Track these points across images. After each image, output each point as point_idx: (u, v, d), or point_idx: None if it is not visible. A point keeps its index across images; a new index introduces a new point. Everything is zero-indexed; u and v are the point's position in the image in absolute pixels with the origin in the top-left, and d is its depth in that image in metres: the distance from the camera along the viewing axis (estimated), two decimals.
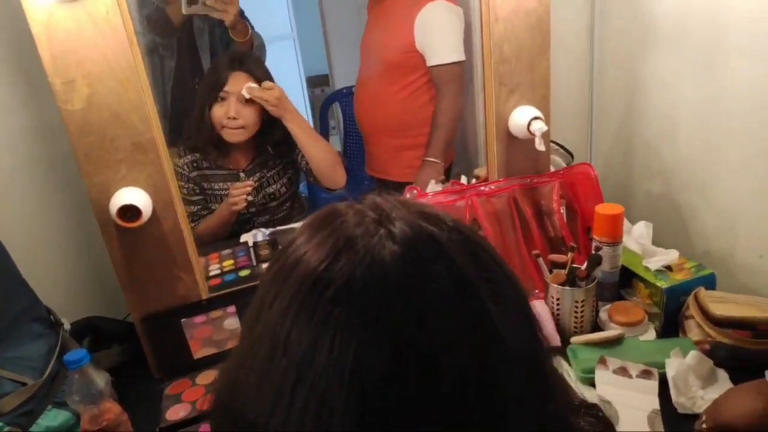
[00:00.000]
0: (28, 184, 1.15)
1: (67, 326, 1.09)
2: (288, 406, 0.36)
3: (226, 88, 1.37)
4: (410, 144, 1.57)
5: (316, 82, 2.69)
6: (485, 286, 0.39)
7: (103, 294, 1.26)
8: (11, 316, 0.99)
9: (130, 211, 1.00)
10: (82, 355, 0.88)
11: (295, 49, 2.73)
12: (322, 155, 1.47)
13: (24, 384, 0.95)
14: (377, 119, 1.62)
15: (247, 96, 1.36)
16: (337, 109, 2.15)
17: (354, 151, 2.00)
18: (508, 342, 0.38)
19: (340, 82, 2.25)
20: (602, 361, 1.00)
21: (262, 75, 1.41)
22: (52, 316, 1.07)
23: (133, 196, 1.00)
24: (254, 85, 1.37)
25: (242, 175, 1.48)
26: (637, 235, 1.23)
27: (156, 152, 1.02)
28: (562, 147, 1.38)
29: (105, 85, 0.96)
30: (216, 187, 1.46)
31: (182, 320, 1.15)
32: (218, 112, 1.38)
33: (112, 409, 0.92)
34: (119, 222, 0.99)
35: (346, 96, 2.03)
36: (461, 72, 1.47)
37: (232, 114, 1.36)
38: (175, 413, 1.06)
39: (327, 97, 2.21)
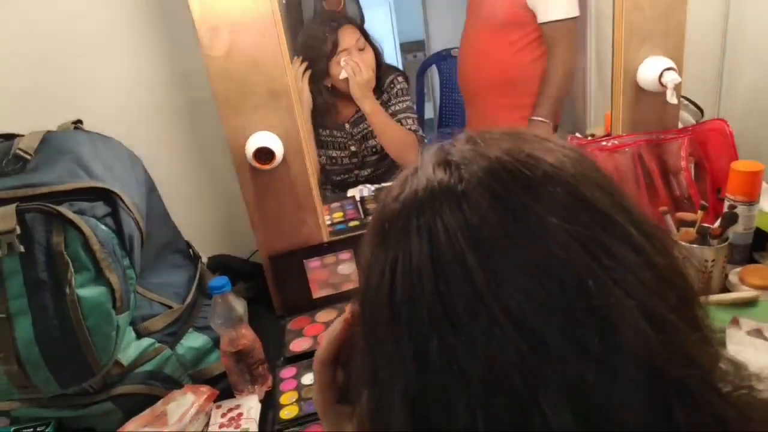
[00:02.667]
0: (169, 127, 1.24)
1: (204, 260, 1.18)
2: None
3: (341, 47, 1.41)
4: (517, 104, 1.54)
5: (410, 48, 2.68)
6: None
7: (231, 234, 1.34)
8: (157, 246, 1.08)
9: (264, 154, 1.05)
10: (224, 282, 0.95)
11: (390, 15, 2.72)
12: (393, 138, 1.50)
13: (170, 307, 1.05)
14: (484, 77, 1.60)
15: (343, 72, 1.42)
16: (432, 74, 2.13)
17: (449, 117, 1.98)
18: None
19: (436, 47, 2.23)
20: (735, 322, 0.95)
21: (362, 23, 1.46)
22: (191, 250, 1.16)
23: (267, 139, 1.06)
24: (355, 59, 1.43)
25: (347, 125, 1.53)
26: None
27: (288, 99, 1.07)
28: (692, 102, 1.31)
29: (246, 33, 1.01)
30: (323, 134, 1.52)
31: (304, 261, 1.21)
32: (338, 68, 1.43)
33: (247, 335, 1.00)
34: (254, 164, 1.05)
35: (444, 59, 2.01)
36: (575, 28, 1.42)
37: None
38: (298, 346, 1.13)
39: (424, 61, 2.18)
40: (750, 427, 0.37)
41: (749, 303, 1.00)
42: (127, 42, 1.17)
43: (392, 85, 1.55)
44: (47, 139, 0.95)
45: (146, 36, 1.18)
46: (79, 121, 1.03)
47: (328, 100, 1.50)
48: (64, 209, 0.85)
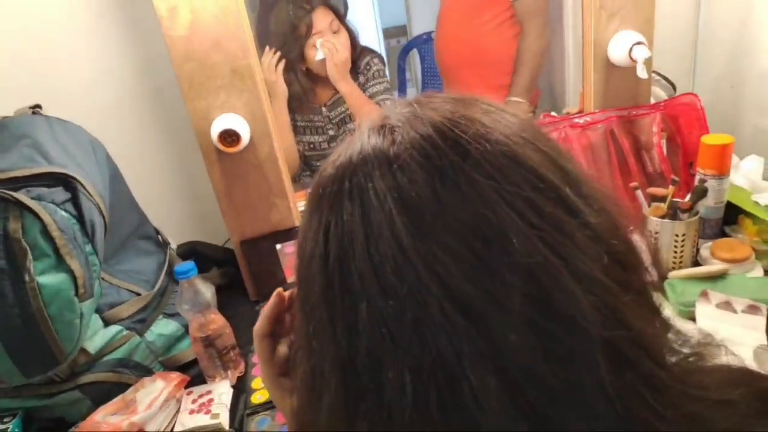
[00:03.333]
0: (135, 113, 1.22)
1: (173, 246, 1.16)
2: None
3: (316, 29, 1.39)
4: (494, 83, 1.53)
5: (392, 34, 2.66)
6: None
7: (203, 221, 1.33)
8: (123, 233, 1.07)
9: (230, 136, 1.04)
10: (190, 267, 0.94)
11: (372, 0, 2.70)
12: None
13: (138, 294, 1.03)
14: (460, 57, 1.59)
15: (320, 53, 1.41)
16: (414, 58, 2.11)
17: None
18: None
19: (418, 31, 2.21)
20: (704, 295, 0.95)
21: (345, 10, 1.43)
22: (160, 236, 1.15)
23: (232, 121, 1.04)
24: (331, 40, 1.41)
25: (324, 109, 1.51)
26: (746, 170, 1.15)
27: (252, 79, 1.05)
28: (663, 77, 1.30)
29: (206, 12, 0.99)
30: (298, 119, 1.50)
31: (277, 246, 1.20)
32: (313, 51, 1.41)
33: (216, 320, 0.99)
34: (220, 146, 1.04)
35: (425, 42, 2.00)
36: (546, 6, 1.41)
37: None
38: None
39: (405, 45, 2.17)
40: (687, 392, 0.36)
41: (719, 276, 1.00)
42: (89, 26, 1.15)
43: (368, 67, 1.53)
44: (4, 124, 0.93)
45: (109, 20, 1.15)
46: (38, 106, 1.00)
47: (304, 85, 1.48)
48: (22, 195, 0.83)
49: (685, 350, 0.41)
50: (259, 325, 0.53)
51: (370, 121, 0.41)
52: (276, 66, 1.39)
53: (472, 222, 0.33)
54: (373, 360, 0.34)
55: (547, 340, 0.32)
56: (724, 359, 0.41)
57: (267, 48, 1.37)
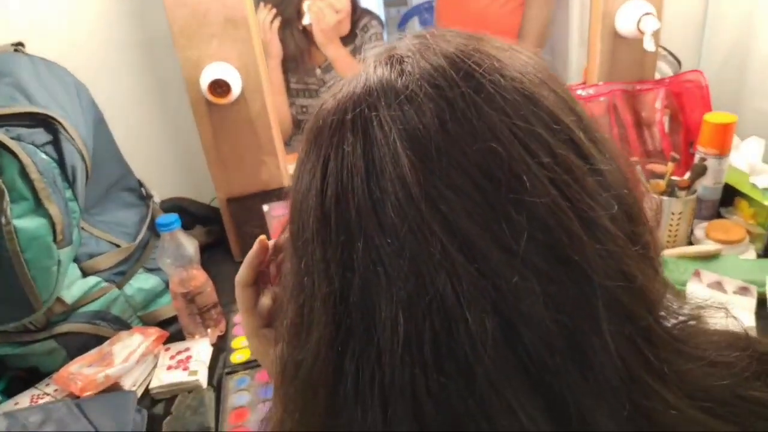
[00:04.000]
0: (124, 59, 1.17)
1: (157, 199, 1.13)
2: None
3: None
4: None
5: (393, 2, 2.62)
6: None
7: (189, 177, 1.29)
8: (105, 182, 1.03)
9: (220, 87, 1.00)
10: (173, 219, 0.91)
11: None
12: None
13: (118, 246, 1.00)
14: (462, 24, 1.54)
15: (306, 16, 1.37)
16: (414, 26, 2.07)
17: None
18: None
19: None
20: (696, 274, 0.94)
21: None
22: (143, 189, 1.11)
23: (223, 70, 1.00)
24: (318, 3, 1.36)
25: (318, 71, 1.47)
26: (746, 152, 1.13)
27: (247, 29, 1.01)
28: (670, 53, 1.27)
29: None
30: (292, 80, 1.46)
31: (264, 206, 1.17)
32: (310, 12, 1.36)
33: (198, 276, 0.96)
34: (209, 96, 1.00)
35: (426, 10, 1.96)
36: None
37: (338, 6, 1.35)
38: None
39: (405, 13, 2.12)
40: (683, 350, 0.35)
41: (712, 257, 0.99)
42: None
43: (365, 29, 1.49)
44: None
45: None
46: (20, 44, 0.96)
47: (300, 45, 1.44)
48: (0, 134, 0.79)
49: (684, 313, 0.39)
50: (241, 274, 0.51)
51: (376, 53, 0.38)
52: (271, 24, 1.34)
53: (481, 158, 0.31)
54: (366, 298, 0.32)
55: (549, 284, 0.30)
56: (723, 322, 0.39)
57: (262, 4, 1.32)
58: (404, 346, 0.31)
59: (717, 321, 0.41)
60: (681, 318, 0.39)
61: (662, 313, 0.37)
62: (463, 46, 0.35)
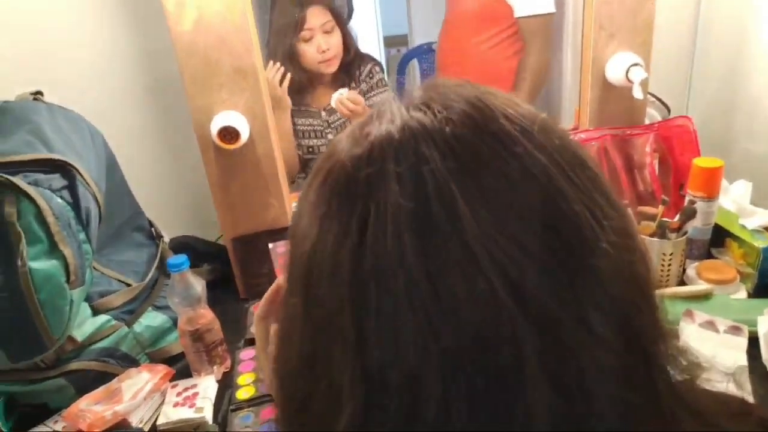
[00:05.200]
0: (135, 104, 1.22)
1: (166, 239, 1.17)
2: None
3: (307, 26, 1.40)
4: None
5: (393, 42, 2.68)
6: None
7: (197, 217, 1.33)
8: (117, 223, 1.07)
9: (229, 133, 1.04)
10: (183, 260, 0.94)
11: (374, 7, 2.71)
12: None
13: (129, 285, 1.03)
14: (461, 68, 1.60)
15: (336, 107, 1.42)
16: (414, 68, 2.12)
17: None
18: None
19: (419, 41, 2.23)
20: (688, 314, 0.97)
21: (348, 15, 1.44)
22: (153, 229, 1.15)
23: (232, 118, 1.05)
24: (344, 93, 1.42)
25: (323, 113, 1.52)
26: (734, 194, 1.18)
27: (255, 78, 1.06)
28: (659, 99, 1.32)
29: (212, 8, 1.00)
30: (299, 122, 1.51)
31: (269, 244, 1.20)
32: (309, 50, 1.42)
33: (205, 315, 0.99)
34: (219, 143, 1.04)
35: (426, 53, 2.01)
36: (550, 25, 1.43)
37: (324, 47, 1.40)
38: None
39: (405, 54, 2.18)
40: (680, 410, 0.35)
41: (704, 297, 1.02)
42: (95, 15, 1.16)
43: (371, 76, 1.54)
44: (4, 108, 0.94)
45: (114, 10, 1.16)
46: (39, 92, 1.01)
47: (304, 84, 1.48)
48: (18, 180, 0.83)
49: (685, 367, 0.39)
50: (258, 309, 0.54)
51: (395, 101, 0.36)
52: (281, 82, 1.39)
53: (547, 212, 0.31)
54: (412, 377, 0.30)
55: (617, 359, 0.31)
56: (718, 386, 0.40)
57: (271, 63, 1.37)
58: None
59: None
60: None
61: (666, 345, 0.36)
62: (473, 92, 0.35)
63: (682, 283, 1.10)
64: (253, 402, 0.94)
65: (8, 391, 0.94)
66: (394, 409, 0.30)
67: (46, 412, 0.94)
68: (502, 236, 0.29)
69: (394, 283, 0.30)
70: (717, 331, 0.95)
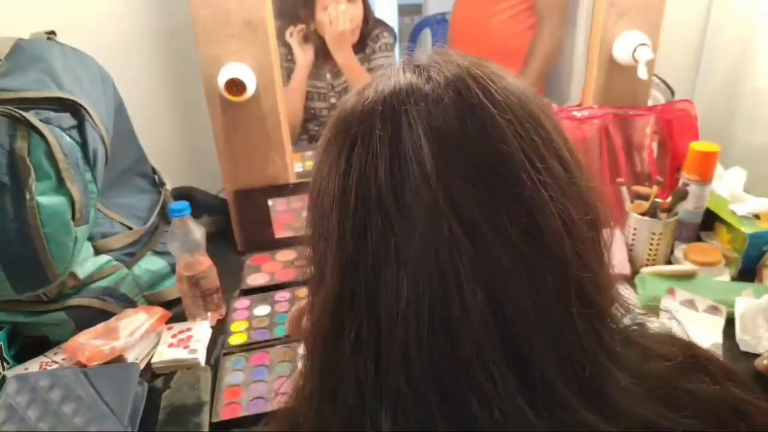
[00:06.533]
0: (145, 51, 1.23)
1: (169, 187, 1.19)
2: None
3: None
4: None
5: (407, 11, 2.65)
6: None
7: (200, 169, 1.35)
8: (122, 167, 1.09)
9: (236, 85, 1.06)
10: (185, 206, 0.97)
11: None
12: None
13: (130, 228, 1.06)
14: (473, 40, 1.60)
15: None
16: (427, 38, 2.11)
17: None
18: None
19: (433, 11, 2.21)
20: (670, 291, 1.00)
21: None
22: (156, 176, 1.17)
23: (240, 70, 1.06)
24: (333, 11, 1.41)
25: (328, 76, 1.52)
26: (729, 181, 1.20)
27: (264, 31, 1.07)
28: (664, 82, 1.33)
29: None
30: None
31: (269, 200, 1.23)
32: (322, 14, 1.42)
33: (203, 261, 1.02)
34: (225, 94, 1.06)
35: (438, 22, 1.99)
36: (566, 1, 1.43)
37: (342, 23, 1.41)
38: (255, 280, 1.16)
39: (417, 23, 2.16)
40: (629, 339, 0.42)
41: (687, 276, 1.05)
42: None
43: (377, 38, 1.54)
44: (19, 46, 0.95)
45: None
46: (53, 32, 1.02)
47: (316, 46, 1.49)
48: (31, 116, 0.85)
49: (635, 312, 0.46)
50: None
51: (401, 62, 0.44)
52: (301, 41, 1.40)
53: (491, 157, 0.38)
54: (375, 264, 0.38)
55: (533, 270, 0.37)
56: (667, 324, 0.46)
57: (291, 26, 1.38)
58: (403, 309, 0.37)
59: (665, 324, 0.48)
60: (631, 316, 0.46)
61: (615, 309, 0.44)
62: (478, 66, 0.42)
63: (668, 262, 1.12)
64: (244, 347, 0.98)
65: (12, 321, 0.97)
66: (361, 293, 0.39)
67: (47, 344, 0.98)
68: (455, 175, 0.37)
69: (368, 193, 0.39)
70: (696, 309, 0.98)
